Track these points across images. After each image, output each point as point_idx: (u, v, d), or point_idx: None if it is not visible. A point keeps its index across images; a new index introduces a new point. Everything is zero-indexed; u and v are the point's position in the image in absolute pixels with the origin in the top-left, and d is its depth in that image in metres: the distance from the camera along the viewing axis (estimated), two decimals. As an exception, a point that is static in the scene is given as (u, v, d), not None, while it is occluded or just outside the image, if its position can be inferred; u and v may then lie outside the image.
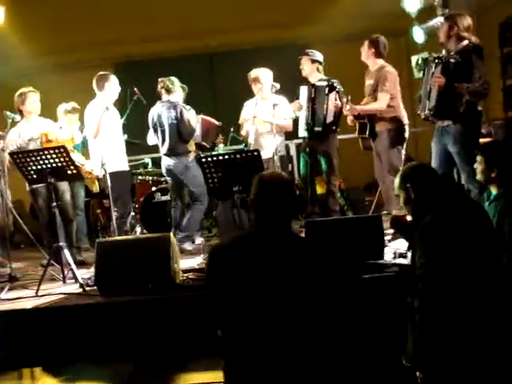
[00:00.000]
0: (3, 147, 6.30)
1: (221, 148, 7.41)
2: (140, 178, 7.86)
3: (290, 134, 7.19)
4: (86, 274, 5.71)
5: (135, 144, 7.54)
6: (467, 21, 5.50)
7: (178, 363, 4.36)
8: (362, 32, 9.49)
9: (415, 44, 7.67)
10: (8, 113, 6.31)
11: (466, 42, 5.46)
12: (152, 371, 4.37)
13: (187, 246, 6.69)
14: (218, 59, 10.39)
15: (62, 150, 5.51)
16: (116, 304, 4.86)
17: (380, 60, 6.49)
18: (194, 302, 4.55)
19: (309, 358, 2.85)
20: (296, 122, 7.03)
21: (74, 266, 5.54)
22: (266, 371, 2.81)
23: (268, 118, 6.64)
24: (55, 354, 4.69)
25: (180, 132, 6.65)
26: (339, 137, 7.07)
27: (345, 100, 6.44)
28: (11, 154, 5.73)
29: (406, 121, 6.45)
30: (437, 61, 5.43)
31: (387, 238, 5.49)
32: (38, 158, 5.51)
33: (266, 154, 6.35)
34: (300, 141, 7.49)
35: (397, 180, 3.47)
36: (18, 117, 6.43)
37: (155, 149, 7.58)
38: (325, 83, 6.78)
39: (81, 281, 5.33)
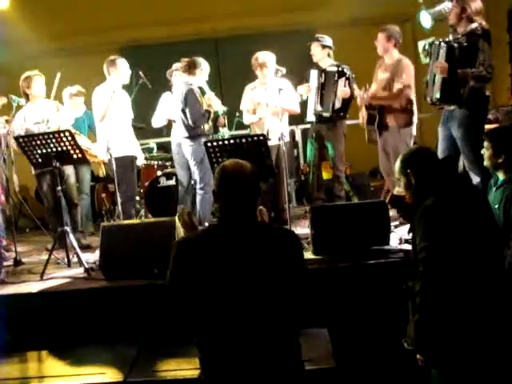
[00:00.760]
0: (9, 131, 6.29)
1: (224, 132, 7.36)
2: (145, 162, 7.84)
3: (297, 119, 7.16)
4: (91, 258, 5.73)
5: (141, 128, 7.52)
6: (478, 4, 5.43)
7: (183, 346, 4.36)
8: (369, 17, 9.51)
9: (422, 29, 7.58)
10: (13, 97, 6.33)
11: (474, 25, 5.39)
12: (156, 354, 4.37)
13: None
14: (223, 44, 10.33)
15: (67, 133, 5.50)
16: (121, 288, 4.88)
17: (395, 51, 6.46)
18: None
19: (281, 344, 2.84)
20: (304, 106, 7.00)
21: (78, 250, 5.55)
22: (240, 362, 2.80)
23: (280, 105, 6.59)
24: (60, 338, 4.70)
25: (185, 115, 6.60)
26: (346, 122, 7.04)
27: (359, 90, 6.46)
28: (16, 138, 5.71)
29: (415, 115, 6.43)
30: (442, 45, 5.39)
31: (393, 223, 5.48)
32: (44, 141, 5.51)
33: (274, 140, 6.32)
34: (306, 126, 7.46)
35: (397, 164, 3.44)
36: (23, 100, 6.43)
37: (160, 133, 7.57)
38: (335, 69, 6.74)
39: (86, 265, 5.33)
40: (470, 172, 5.34)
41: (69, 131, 5.55)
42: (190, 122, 6.47)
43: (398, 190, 3.76)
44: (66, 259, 5.64)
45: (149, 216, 7.39)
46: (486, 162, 4.15)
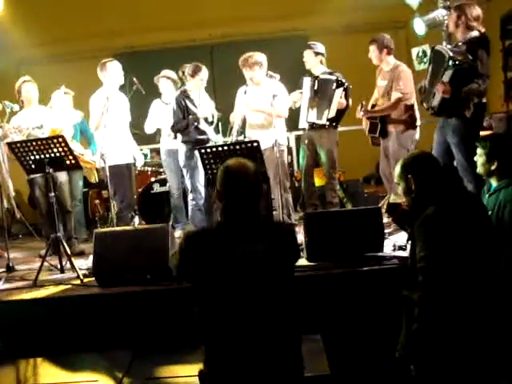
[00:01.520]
0: (1, 136, 6.28)
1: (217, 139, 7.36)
2: (138, 168, 7.84)
3: (289, 125, 7.15)
4: (84, 264, 5.70)
5: (135, 134, 7.53)
6: (476, 11, 5.42)
7: (176, 353, 4.35)
8: (363, 24, 9.55)
9: (415, 36, 7.62)
10: (7, 102, 6.32)
11: (475, 34, 5.37)
12: (150, 361, 4.35)
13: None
14: (218, 50, 10.35)
15: (60, 139, 5.47)
16: (114, 295, 4.85)
17: (391, 58, 6.49)
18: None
19: (283, 342, 2.89)
20: (297, 112, 6.99)
21: (71, 257, 5.52)
22: (243, 358, 2.84)
23: (261, 108, 6.59)
24: (53, 345, 4.67)
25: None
26: (340, 129, 7.04)
27: (358, 106, 6.48)
28: (9, 144, 5.69)
29: (418, 122, 6.45)
30: (449, 65, 5.22)
31: (387, 230, 5.48)
32: (37, 147, 5.47)
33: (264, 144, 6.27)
34: (299, 132, 7.46)
35: (397, 168, 3.44)
36: (16, 106, 6.43)
37: (154, 139, 7.57)
38: (333, 77, 6.73)
39: (79, 271, 5.31)
40: (464, 178, 5.35)
41: (62, 137, 5.52)
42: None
43: (394, 197, 3.78)
44: (59, 265, 5.61)
45: (142, 222, 7.38)
46: (478, 169, 4.16)
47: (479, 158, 4.12)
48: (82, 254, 6.40)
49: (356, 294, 4.67)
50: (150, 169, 8.12)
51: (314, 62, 6.93)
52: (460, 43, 5.43)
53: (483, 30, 5.41)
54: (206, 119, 6.64)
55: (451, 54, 5.22)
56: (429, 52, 6.05)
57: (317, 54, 6.92)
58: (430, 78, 5.60)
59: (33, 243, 7.29)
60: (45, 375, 4.27)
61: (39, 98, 6.70)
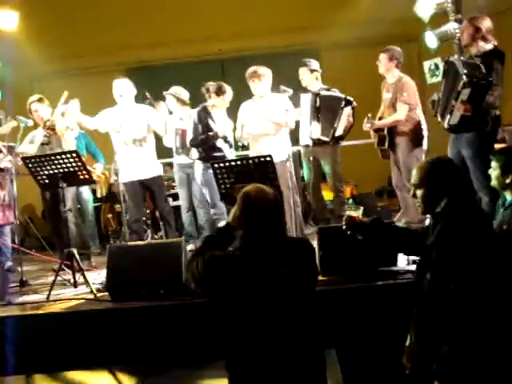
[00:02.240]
0: (16, 153, 6.31)
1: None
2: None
3: (293, 140, 7.13)
4: (98, 279, 5.71)
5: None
6: (489, 22, 5.43)
7: (190, 369, 4.34)
8: (375, 37, 9.57)
9: (427, 49, 7.61)
10: (21, 118, 6.36)
11: (489, 46, 5.39)
12: (163, 377, 4.35)
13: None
14: (229, 64, 10.39)
15: (74, 154, 5.51)
16: (127, 310, 4.84)
17: (397, 71, 6.52)
18: (206, 308, 4.53)
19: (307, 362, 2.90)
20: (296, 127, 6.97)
21: (85, 272, 5.53)
22: (268, 375, 2.85)
23: (268, 117, 6.62)
24: (66, 360, 4.67)
25: None
26: (350, 143, 7.04)
27: (365, 119, 6.47)
28: (24, 159, 5.73)
29: (425, 132, 6.44)
30: (465, 82, 5.17)
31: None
32: (50, 162, 5.51)
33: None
34: (298, 147, 7.42)
35: (417, 173, 3.37)
36: (30, 122, 6.48)
37: (167, 153, 7.57)
38: (340, 95, 6.74)
39: (92, 286, 5.32)
40: (479, 192, 5.32)
41: (75, 152, 5.56)
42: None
43: (350, 213, 3.77)
44: (72, 280, 5.62)
45: (155, 237, 7.38)
46: (493, 182, 4.13)
47: (493, 171, 4.09)
48: (95, 268, 6.39)
49: (370, 308, 4.64)
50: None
51: (310, 78, 6.99)
52: (475, 56, 5.41)
53: (497, 43, 5.41)
54: (225, 138, 6.64)
55: (466, 71, 5.17)
56: (441, 65, 6.08)
57: (312, 70, 6.98)
58: (444, 90, 5.56)
59: (46, 257, 7.29)
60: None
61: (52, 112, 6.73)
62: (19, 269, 6.02)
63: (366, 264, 4.95)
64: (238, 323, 2.87)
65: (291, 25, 9.78)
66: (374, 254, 4.94)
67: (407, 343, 3.23)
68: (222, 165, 5.33)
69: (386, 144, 6.50)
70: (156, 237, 7.38)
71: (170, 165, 7.94)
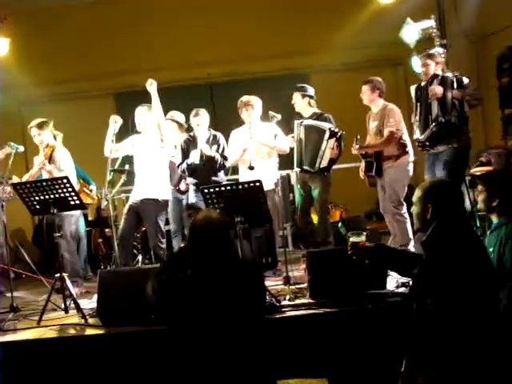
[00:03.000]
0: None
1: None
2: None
3: (286, 164, 7.17)
4: (89, 304, 5.70)
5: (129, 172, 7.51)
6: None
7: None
8: (362, 61, 9.69)
9: (414, 73, 7.74)
10: (12, 144, 6.37)
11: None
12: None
13: None
14: (218, 89, 10.45)
15: (65, 180, 5.53)
16: (119, 335, 4.85)
17: (381, 100, 6.64)
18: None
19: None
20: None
21: (76, 297, 5.53)
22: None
23: (264, 141, 6.69)
24: (57, 386, 4.67)
25: None
26: (340, 166, 7.08)
27: (354, 142, 6.55)
28: (14, 185, 5.74)
29: (411, 158, 6.52)
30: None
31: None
32: (42, 188, 5.52)
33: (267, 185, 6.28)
34: (288, 171, 7.48)
35: (418, 190, 3.49)
36: (21, 147, 6.49)
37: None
38: (323, 126, 6.71)
39: (83, 311, 5.31)
40: None
41: (66, 178, 5.58)
42: None
43: (353, 239, 3.83)
44: (63, 305, 5.61)
45: (146, 261, 7.38)
46: (479, 205, 4.19)
47: (480, 194, 4.15)
48: (86, 293, 6.38)
49: (360, 331, 4.66)
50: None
51: (302, 104, 6.98)
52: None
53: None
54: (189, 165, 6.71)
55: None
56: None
57: (304, 96, 6.97)
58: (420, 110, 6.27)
59: (37, 282, 7.26)
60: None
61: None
62: (8, 294, 6.00)
63: (355, 287, 4.98)
64: (188, 345, 3.08)
65: (280, 49, 9.85)
66: (362, 277, 4.98)
67: (403, 369, 3.26)
68: (211, 190, 5.36)
69: (374, 170, 6.55)
70: (147, 261, 7.37)
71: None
